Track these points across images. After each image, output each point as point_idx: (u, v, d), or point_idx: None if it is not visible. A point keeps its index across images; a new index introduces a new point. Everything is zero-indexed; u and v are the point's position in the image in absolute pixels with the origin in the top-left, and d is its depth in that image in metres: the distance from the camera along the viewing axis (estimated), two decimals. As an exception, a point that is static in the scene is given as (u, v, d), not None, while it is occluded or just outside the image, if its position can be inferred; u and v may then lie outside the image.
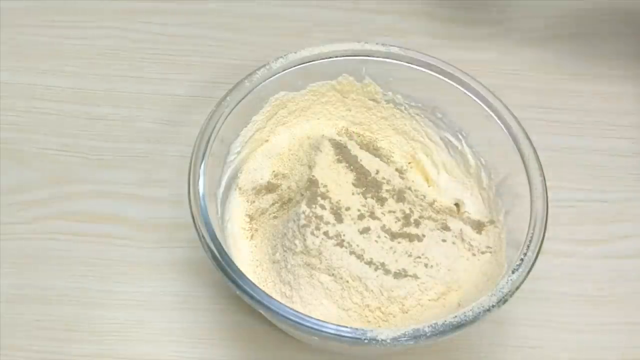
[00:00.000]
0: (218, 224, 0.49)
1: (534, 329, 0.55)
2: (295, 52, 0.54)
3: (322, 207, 0.51)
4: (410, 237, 0.51)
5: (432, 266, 0.50)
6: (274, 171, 0.56)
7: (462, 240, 0.52)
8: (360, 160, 0.54)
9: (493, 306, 0.44)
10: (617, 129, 0.65)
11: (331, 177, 0.52)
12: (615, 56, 0.69)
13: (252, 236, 0.53)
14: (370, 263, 0.49)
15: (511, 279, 0.46)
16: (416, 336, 0.43)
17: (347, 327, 0.43)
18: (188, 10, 0.69)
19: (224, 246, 0.46)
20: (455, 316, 0.44)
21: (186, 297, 0.55)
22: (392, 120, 0.58)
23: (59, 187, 0.59)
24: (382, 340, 0.42)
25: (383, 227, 0.51)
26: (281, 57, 0.54)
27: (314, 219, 0.50)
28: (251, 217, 0.54)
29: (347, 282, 0.49)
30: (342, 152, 0.54)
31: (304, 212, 0.50)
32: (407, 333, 0.43)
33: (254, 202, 0.54)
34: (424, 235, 0.51)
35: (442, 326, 0.43)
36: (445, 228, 0.52)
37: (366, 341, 0.43)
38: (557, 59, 0.68)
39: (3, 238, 0.56)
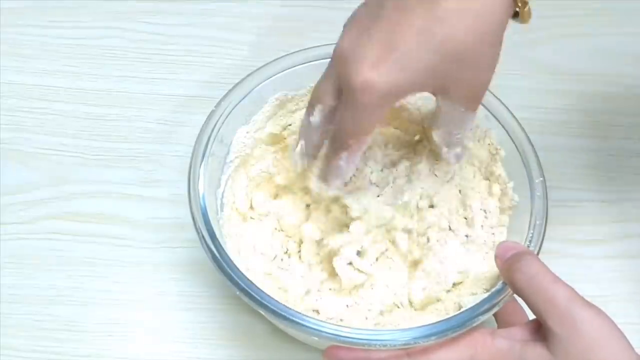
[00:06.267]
0: (218, 224, 0.49)
1: (534, 329, 0.55)
2: (295, 52, 0.54)
3: None
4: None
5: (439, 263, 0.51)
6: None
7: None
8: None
9: (493, 306, 0.44)
10: (617, 129, 0.65)
11: None
12: (615, 56, 0.69)
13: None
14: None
15: (511, 279, 0.46)
16: (415, 337, 0.42)
17: (347, 327, 0.43)
18: (188, 10, 0.69)
19: (224, 246, 0.46)
20: (456, 316, 0.44)
21: (186, 297, 0.55)
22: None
23: (59, 187, 0.59)
24: (382, 341, 0.42)
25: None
26: (281, 57, 0.54)
27: None
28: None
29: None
30: None
31: None
32: (406, 334, 0.43)
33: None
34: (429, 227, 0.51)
35: (443, 326, 0.43)
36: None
37: (366, 342, 0.43)
38: (557, 59, 0.68)
39: (3, 238, 0.56)
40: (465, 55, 0.40)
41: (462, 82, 0.41)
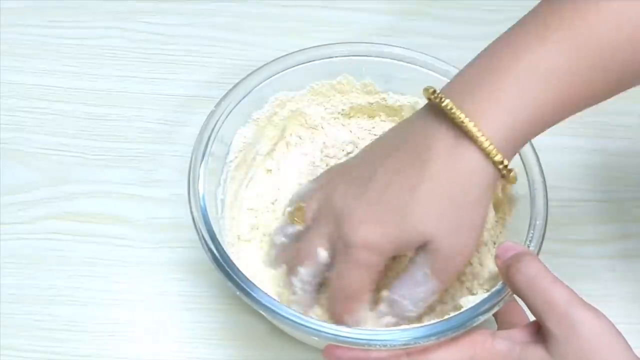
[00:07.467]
0: (218, 224, 0.49)
1: (534, 329, 0.55)
2: (295, 52, 0.54)
3: None
4: None
5: None
6: None
7: None
8: None
9: (493, 306, 0.44)
10: (617, 129, 0.65)
11: None
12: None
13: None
14: None
15: (511, 279, 0.46)
16: (415, 337, 0.42)
17: (346, 327, 0.43)
18: (188, 10, 0.69)
19: (224, 246, 0.46)
20: (456, 316, 0.44)
21: (186, 297, 0.55)
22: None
23: (59, 187, 0.59)
24: (381, 341, 0.42)
25: None
26: (281, 57, 0.54)
27: None
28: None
29: None
30: None
31: None
32: (406, 334, 0.43)
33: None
34: None
35: (442, 326, 0.43)
36: None
37: (365, 342, 0.42)
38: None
39: (3, 238, 0.56)
40: (450, 210, 0.42)
41: (443, 239, 0.43)
